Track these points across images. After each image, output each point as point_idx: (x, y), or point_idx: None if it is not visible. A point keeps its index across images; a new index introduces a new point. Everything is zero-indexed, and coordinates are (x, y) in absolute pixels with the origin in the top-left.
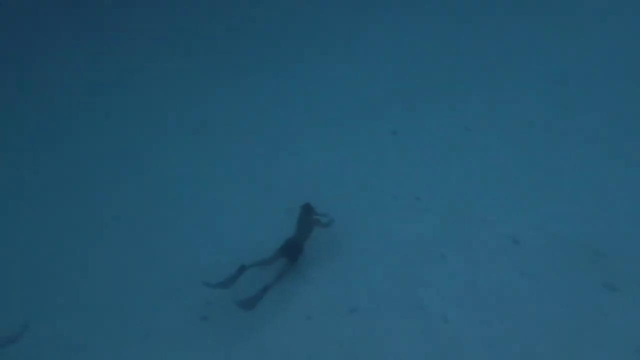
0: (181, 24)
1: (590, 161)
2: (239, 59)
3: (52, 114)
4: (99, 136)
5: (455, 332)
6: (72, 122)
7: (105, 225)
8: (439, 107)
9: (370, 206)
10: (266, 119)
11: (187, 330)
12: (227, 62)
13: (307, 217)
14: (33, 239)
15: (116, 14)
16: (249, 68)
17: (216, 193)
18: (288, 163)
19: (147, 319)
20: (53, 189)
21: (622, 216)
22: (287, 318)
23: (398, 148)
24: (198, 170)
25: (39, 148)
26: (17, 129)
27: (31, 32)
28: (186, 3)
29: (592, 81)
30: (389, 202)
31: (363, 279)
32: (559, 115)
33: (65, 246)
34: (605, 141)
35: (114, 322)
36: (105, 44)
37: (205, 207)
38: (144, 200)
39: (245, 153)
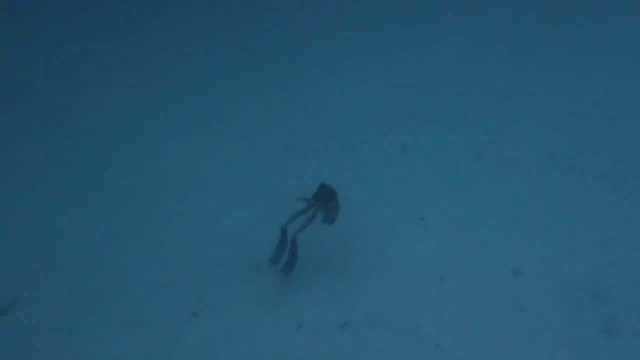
0: (199, 14)
1: (600, 201)
2: (260, 57)
3: (63, 92)
4: (106, 122)
5: None
6: (80, 103)
7: (104, 212)
8: (451, 129)
9: (373, 220)
10: (279, 118)
11: (175, 325)
12: (247, 58)
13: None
14: (29, 216)
15: (130, 5)
16: (268, 67)
17: (221, 189)
18: (295, 165)
19: (137, 309)
20: (55, 168)
21: (627, 261)
22: (277, 323)
23: (407, 164)
24: (205, 165)
25: (46, 125)
26: (26, 104)
27: (48, 9)
28: None
29: (609, 119)
30: (392, 219)
31: (359, 294)
32: (571, 150)
33: (62, 227)
34: (617, 182)
35: (103, 308)
36: (121, 30)
37: (209, 202)
38: (145, 191)
39: (255, 151)
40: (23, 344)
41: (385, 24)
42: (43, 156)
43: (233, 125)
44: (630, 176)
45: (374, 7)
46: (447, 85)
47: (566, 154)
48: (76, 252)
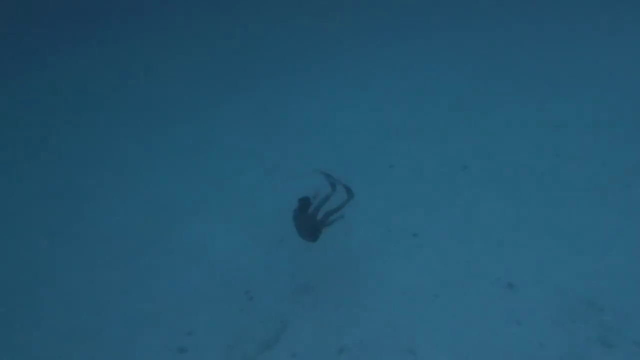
0: (185, 38)
1: (586, 211)
2: (246, 81)
3: (46, 123)
4: (94, 150)
5: None
6: (66, 133)
7: (85, 243)
8: (437, 144)
9: (364, 240)
10: (266, 143)
11: None
12: (231, 82)
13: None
14: (7, 250)
15: (116, 26)
16: (253, 90)
17: (209, 216)
18: (282, 188)
19: (122, 345)
20: (34, 200)
21: (618, 269)
22: (272, 356)
23: (395, 181)
24: (192, 191)
25: (31, 157)
26: (9, 136)
27: (27, 40)
28: (190, 17)
29: (586, 131)
30: (384, 237)
31: (353, 317)
32: (554, 162)
33: (42, 261)
34: (600, 191)
35: (85, 347)
36: (105, 55)
37: (196, 228)
38: (129, 219)
39: (241, 174)
40: None
41: (369, 43)
42: (21, 188)
43: (219, 149)
44: (611, 185)
45: (357, 27)
46: (430, 103)
47: (549, 166)
48: (57, 287)
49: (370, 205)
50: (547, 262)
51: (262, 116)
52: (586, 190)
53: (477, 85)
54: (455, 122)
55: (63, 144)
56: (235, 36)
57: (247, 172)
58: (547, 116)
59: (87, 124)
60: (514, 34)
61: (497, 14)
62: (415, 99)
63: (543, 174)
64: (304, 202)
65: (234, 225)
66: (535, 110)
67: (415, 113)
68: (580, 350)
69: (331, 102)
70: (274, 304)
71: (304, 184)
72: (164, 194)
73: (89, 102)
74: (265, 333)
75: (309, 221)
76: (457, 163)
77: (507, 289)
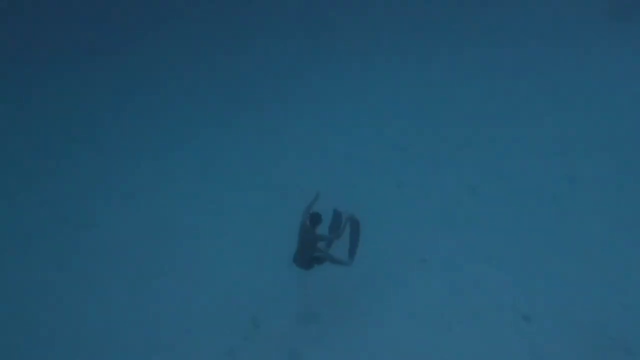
0: (191, 61)
1: (599, 237)
2: (251, 101)
3: (50, 146)
4: (99, 172)
5: None
6: (75, 153)
7: (95, 264)
8: (445, 164)
9: (373, 265)
10: (273, 163)
11: None
12: (233, 105)
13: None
14: (7, 279)
15: (122, 48)
16: (259, 110)
17: (212, 239)
18: (288, 209)
19: None
20: (47, 223)
21: (635, 301)
22: None
23: (403, 202)
24: (199, 212)
25: (44, 180)
26: (15, 159)
27: (24, 71)
28: (196, 38)
29: (601, 154)
30: (393, 262)
31: (362, 346)
32: (567, 185)
33: (41, 292)
34: (615, 217)
35: None
36: (110, 75)
37: (200, 253)
38: (133, 245)
39: (246, 197)
40: None
41: (376, 59)
42: (23, 213)
43: (226, 170)
44: (620, 209)
45: (363, 44)
46: (438, 122)
47: (561, 189)
48: (60, 311)
49: (378, 227)
50: (564, 292)
51: (269, 136)
52: (604, 216)
53: (486, 105)
54: (463, 142)
55: (68, 167)
56: (240, 58)
57: (254, 193)
58: (558, 138)
59: (92, 145)
60: (525, 53)
61: (508, 33)
62: (423, 118)
63: (557, 197)
64: (316, 218)
65: (241, 248)
66: (545, 132)
67: (423, 132)
68: None
69: (338, 121)
70: (281, 332)
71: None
72: (171, 215)
73: (92, 123)
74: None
75: (309, 252)
76: (466, 184)
77: (524, 321)
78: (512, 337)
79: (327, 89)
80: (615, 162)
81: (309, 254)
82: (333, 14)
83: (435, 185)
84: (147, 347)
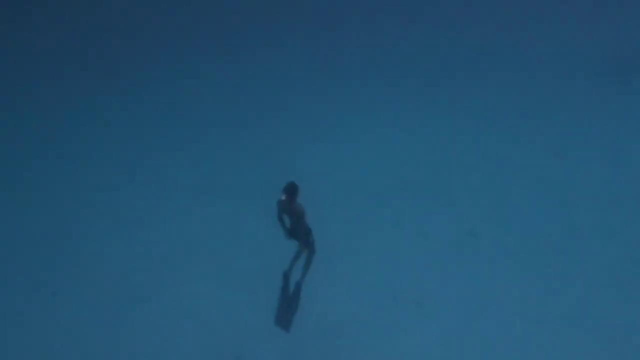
0: (184, 87)
1: (602, 297)
2: (250, 126)
3: (41, 167)
4: (89, 194)
5: None
6: (62, 176)
7: (80, 294)
8: (443, 205)
9: (367, 305)
10: (269, 189)
11: None
12: (237, 127)
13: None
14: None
15: (114, 67)
16: (257, 135)
17: (206, 267)
18: (284, 240)
19: None
20: (34, 247)
21: None
22: None
23: (400, 241)
24: (191, 239)
25: (24, 203)
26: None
27: (28, 82)
28: (194, 55)
29: (596, 205)
30: (388, 304)
31: None
32: (565, 235)
33: (37, 309)
34: (617, 274)
35: None
36: (104, 92)
37: (192, 282)
38: (127, 268)
39: (244, 224)
40: None
41: (377, 93)
42: (12, 235)
43: (219, 194)
44: (625, 270)
45: (365, 77)
46: (438, 160)
47: (561, 240)
48: (41, 341)
49: (373, 266)
50: (566, 353)
51: (265, 161)
52: (601, 272)
53: (488, 146)
54: (463, 182)
55: (58, 188)
56: (238, 81)
57: (247, 220)
58: (561, 185)
59: (83, 167)
60: (529, 100)
61: (510, 79)
62: (423, 154)
63: (558, 250)
64: (291, 188)
65: (231, 280)
66: (547, 178)
67: (422, 169)
68: None
69: (337, 151)
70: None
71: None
72: (162, 241)
73: (86, 144)
74: None
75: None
76: (465, 227)
77: None
78: None
79: (329, 118)
80: (623, 216)
81: (302, 227)
82: (339, 50)
83: (433, 224)
84: None
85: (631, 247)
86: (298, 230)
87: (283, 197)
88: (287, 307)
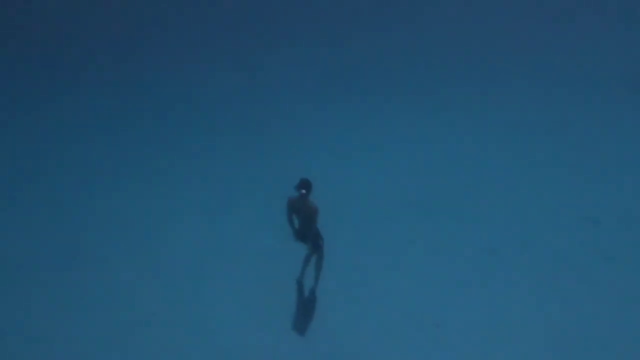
0: (199, 94)
1: (632, 325)
2: (264, 144)
3: (52, 183)
4: (101, 212)
5: None
6: (73, 192)
7: (94, 310)
8: (460, 223)
9: (381, 325)
10: (282, 206)
11: None
12: (251, 144)
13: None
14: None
15: (123, 80)
16: (271, 153)
17: (219, 283)
18: (297, 258)
19: None
20: (47, 263)
21: None
22: None
23: (416, 260)
24: (205, 256)
25: (36, 220)
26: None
27: (27, 112)
28: (205, 66)
29: (622, 226)
30: (404, 325)
31: None
32: (594, 261)
33: (50, 326)
34: None
35: None
36: (115, 109)
37: (205, 300)
38: (141, 287)
39: (257, 240)
40: None
41: (392, 110)
42: (27, 252)
43: (236, 213)
44: None
45: (379, 93)
46: (455, 177)
47: (587, 263)
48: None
49: (388, 285)
50: None
51: (279, 178)
52: (630, 299)
53: (507, 162)
54: (482, 200)
55: (70, 204)
56: (254, 99)
57: (261, 238)
58: (586, 204)
59: (96, 184)
60: (554, 116)
61: (533, 96)
62: (438, 171)
63: (586, 273)
64: (304, 184)
65: (244, 298)
66: (572, 196)
67: (438, 186)
68: None
69: (351, 169)
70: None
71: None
72: (177, 258)
73: (97, 160)
74: None
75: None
76: (484, 245)
77: None
78: None
79: (342, 136)
80: None
81: (312, 228)
82: (352, 69)
83: (450, 242)
84: None
85: None
86: (308, 231)
87: (303, 191)
88: (303, 319)
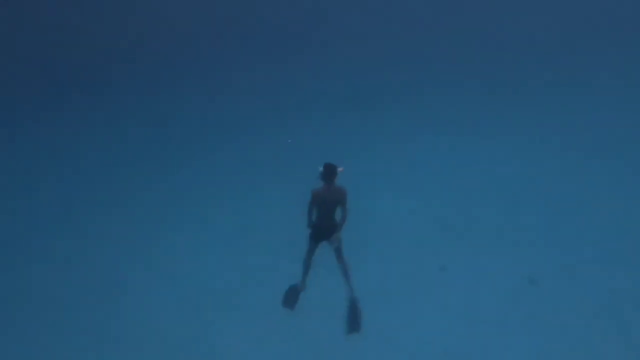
0: (224, 130)
1: None
2: (288, 168)
3: (79, 213)
4: (127, 241)
5: None
6: (83, 204)
7: (119, 343)
8: (495, 249)
9: None
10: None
11: None
12: (276, 170)
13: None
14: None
15: (151, 114)
16: (298, 179)
17: (243, 318)
18: (320, 286)
19: None
20: (72, 295)
21: None
22: None
23: (448, 289)
24: (229, 286)
25: (62, 249)
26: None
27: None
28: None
29: None
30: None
31: None
32: None
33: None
34: None
35: None
36: (139, 143)
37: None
38: (166, 317)
39: (278, 270)
40: None
41: (418, 131)
42: (49, 282)
43: (258, 240)
44: None
45: (411, 116)
46: (489, 199)
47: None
48: None
49: (419, 316)
50: None
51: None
52: None
53: (550, 182)
54: (521, 222)
55: (95, 233)
56: (283, 129)
57: (285, 267)
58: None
59: (120, 213)
60: (599, 132)
61: (581, 109)
62: (472, 191)
63: (636, 304)
64: (329, 169)
65: (268, 333)
66: (630, 220)
67: (468, 209)
68: None
69: (378, 189)
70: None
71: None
72: (201, 289)
73: (120, 190)
74: None
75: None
76: (523, 275)
77: None
78: None
79: (367, 160)
80: None
81: (343, 212)
82: (380, 92)
83: (485, 271)
84: None
85: None
86: (330, 222)
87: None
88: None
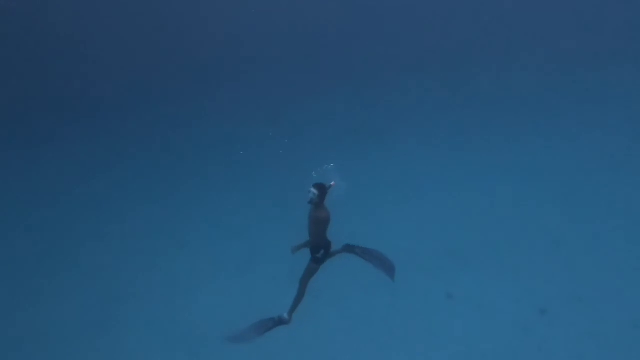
0: (235, 163)
1: None
2: (295, 192)
3: (87, 244)
4: (134, 268)
5: None
6: (99, 215)
7: None
8: (503, 276)
9: None
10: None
11: None
12: (284, 195)
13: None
14: None
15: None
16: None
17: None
18: (328, 317)
19: None
20: (74, 331)
21: None
22: None
23: (455, 319)
24: (237, 315)
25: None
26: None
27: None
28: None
29: None
30: None
31: None
32: None
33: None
34: None
35: None
36: (149, 169)
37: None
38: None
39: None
40: None
41: (428, 153)
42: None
43: (266, 268)
44: None
45: (416, 138)
46: (497, 225)
47: None
48: None
49: (428, 348)
50: None
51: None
52: None
53: (558, 207)
54: (530, 253)
55: (105, 261)
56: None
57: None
58: None
59: (132, 243)
60: (608, 157)
61: (592, 133)
62: (479, 219)
63: None
64: (320, 188)
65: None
66: (633, 253)
67: (476, 235)
68: None
69: (382, 214)
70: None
71: (347, 313)
72: (209, 317)
73: (129, 217)
74: None
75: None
76: (533, 304)
77: None
78: None
79: (375, 185)
80: None
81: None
82: (383, 115)
83: (493, 299)
84: None
85: None
86: (321, 241)
87: (313, 191)
88: None
